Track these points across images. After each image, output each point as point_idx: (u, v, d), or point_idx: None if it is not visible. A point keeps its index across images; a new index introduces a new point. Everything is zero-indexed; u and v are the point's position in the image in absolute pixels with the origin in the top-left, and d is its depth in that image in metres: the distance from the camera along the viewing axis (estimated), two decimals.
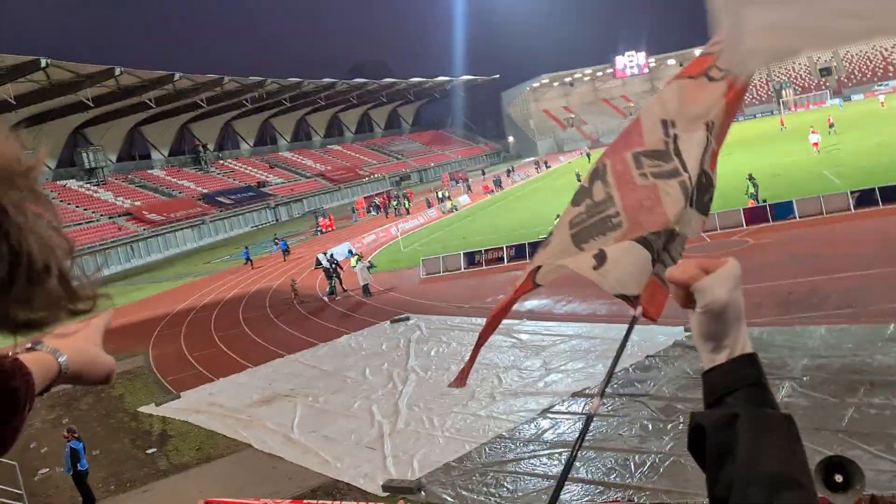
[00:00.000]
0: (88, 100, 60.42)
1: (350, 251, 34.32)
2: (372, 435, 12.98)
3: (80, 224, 58.16)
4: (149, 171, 76.37)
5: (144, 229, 60.93)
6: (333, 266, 28.66)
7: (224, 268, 44.35)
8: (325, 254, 33.35)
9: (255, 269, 39.82)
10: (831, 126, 47.31)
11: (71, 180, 66.81)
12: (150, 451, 14.75)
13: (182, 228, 64.18)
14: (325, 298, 27.65)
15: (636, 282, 1.46)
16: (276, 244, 43.98)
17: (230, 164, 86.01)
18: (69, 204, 61.53)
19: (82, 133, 73.07)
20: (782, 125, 64.66)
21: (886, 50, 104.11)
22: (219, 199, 72.10)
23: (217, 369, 20.09)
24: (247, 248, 43.33)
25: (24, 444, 16.88)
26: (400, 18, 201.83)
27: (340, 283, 28.15)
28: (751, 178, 27.89)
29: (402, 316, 21.68)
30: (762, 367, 1.11)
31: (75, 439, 12.91)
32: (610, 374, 1.58)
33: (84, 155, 68.37)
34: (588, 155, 76.67)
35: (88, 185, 66.87)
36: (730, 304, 1.12)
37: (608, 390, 12.84)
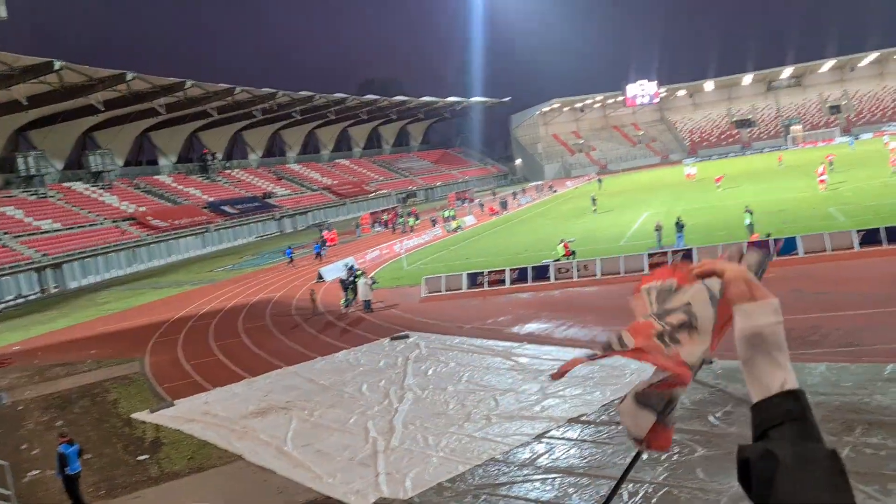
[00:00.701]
0: (99, 103, 60.87)
1: (353, 267, 34.33)
2: (366, 451, 12.94)
3: (83, 227, 58.36)
4: (155, 177, 76.73)
5: (148, 234, 61.10)
6: (352, 278, 28.58)
7: (225, 277, 44.46)
8: (346, 265, 33.80)
9: (260, 280, 39.98)
10: (831, 164, 47.52)
11: (77, 182, 67.15)
12: (141, 458, 14.71)
13: (186, 235, 64.36)
14: (344, 310, 27.47)
15: (644, 427, 1.50)
16: (313, 247, 47.63)
17: (237, 173, 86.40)
18: (74, 206, 61.80)
19: (91, 136, 73.58)
20: (780, 161, 65.19)
21: None
22: (224, 207, 72.37)
23: (213, 378, 20.07)
24: (290, 247, 47.44)
25: (16, 445, 16.87)
26: (415, 38, 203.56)
27: (356, 295, 28.05)
28: (748, 210, 28.57)
29: (402, 333, 21.68)
30: (808, 403, 1.15)
31: (66, 443, 12.89)
32: (616, 488, 1.62)
33: (91, 158, 68.81)
34: (600, 181, 76.34)
35: (94, 188, 67.17)
36: (766, 334, 1.19)
37: (604, 417, 12.82)
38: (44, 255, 51.27)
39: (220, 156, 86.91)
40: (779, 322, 1.21)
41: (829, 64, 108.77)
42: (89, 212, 61.74)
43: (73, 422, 17.94)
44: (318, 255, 45.38)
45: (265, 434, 14.77)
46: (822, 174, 41.59)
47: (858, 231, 24.59)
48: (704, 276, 1.38)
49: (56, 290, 50.74)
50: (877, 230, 24.22)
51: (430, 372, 17.52)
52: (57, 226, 56.74)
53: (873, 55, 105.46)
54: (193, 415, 16.90)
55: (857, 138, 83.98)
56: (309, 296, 28.86)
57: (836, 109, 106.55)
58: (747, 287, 1.24)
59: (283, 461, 13.21)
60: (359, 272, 29.85)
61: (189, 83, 64.85)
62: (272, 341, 24.21)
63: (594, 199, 49.92)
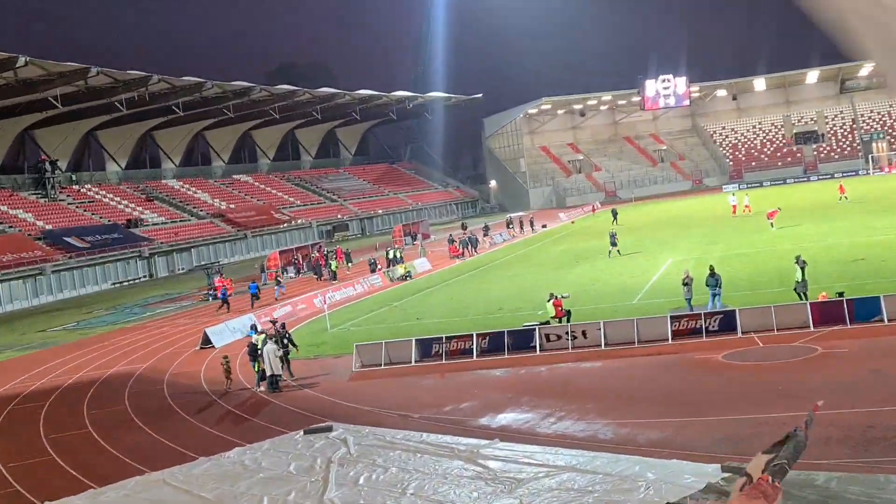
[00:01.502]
0: None
1: (254, 327, 34.12)
2: None
3: None
4: None
5: None
6: (286, 339, 28.32)
7: (67, 339, 43.70)
8: (272, 322, 34.11)
9: (118, 344, 39.51)
10: None
11: None
12: None
13: (9, 279, 63.17)
14: (258, 389, 26.84)
15: None
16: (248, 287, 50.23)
17: (89, 190, 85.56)
18: None
19: None
20: (842, 194, 66.84)
21: None
22: (68, 239, 71.43)
23: (43, 489, 19.57)
24: (254, 282, 51.62)
25: None
26: (353, 10, 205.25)
27: (288, 365, 27.84)
28: (798, 260, 28.38)
29: (322, 425, 21.48)
30: None
31: None
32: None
33: None
34: (615, 213, 73.04)
35: None
36: None
37: None
38: None
39: (63, 165, 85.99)
40: None
41: None
42: None
43: None
44: (256, 297, 47.30)
45: None
46: None
47: None
48: None
49: None
50: None
51: (360, 480, 17.34)
52: None
53: None
54: None
55: None
56: (221, 365, 28.22)
57: None
58: None
59: None
60: (262, 334, 29.48)
61: (22, 59, 64.01)
62: (133, 434, 23.78)
63: (614, 237, 49.00)
